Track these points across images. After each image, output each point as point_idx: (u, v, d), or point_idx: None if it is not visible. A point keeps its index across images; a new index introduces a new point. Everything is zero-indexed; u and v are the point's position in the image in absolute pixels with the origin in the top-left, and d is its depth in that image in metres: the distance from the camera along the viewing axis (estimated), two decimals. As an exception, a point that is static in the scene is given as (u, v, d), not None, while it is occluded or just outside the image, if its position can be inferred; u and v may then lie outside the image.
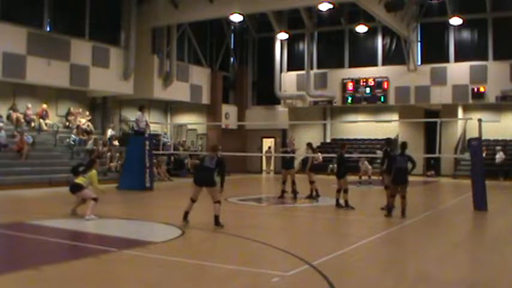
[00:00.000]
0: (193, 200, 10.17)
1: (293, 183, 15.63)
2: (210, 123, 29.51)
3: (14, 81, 20.81)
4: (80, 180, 11.33)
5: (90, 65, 22.77)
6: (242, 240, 8.92)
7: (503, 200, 16.84)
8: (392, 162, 12.08)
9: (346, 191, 12.97)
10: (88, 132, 23.14)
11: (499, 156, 25.93)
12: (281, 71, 31.52)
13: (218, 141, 29.25)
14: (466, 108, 28.86)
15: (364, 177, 21.19)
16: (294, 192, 15.67)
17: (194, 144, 29.80)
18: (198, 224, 10.13)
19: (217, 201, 10.02)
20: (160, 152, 21.63)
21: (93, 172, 11.44)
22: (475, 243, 9.66)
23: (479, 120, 13.91)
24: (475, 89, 27.03)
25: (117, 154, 22.44)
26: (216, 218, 9.97)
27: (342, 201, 12.98)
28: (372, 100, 29.67)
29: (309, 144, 16.25)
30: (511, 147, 27.84)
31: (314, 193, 15.40)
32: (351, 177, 14.82)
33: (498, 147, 26.45)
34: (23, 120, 21.50)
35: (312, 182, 15.41)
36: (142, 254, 7.66)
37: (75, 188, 11.29)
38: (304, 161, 18.61)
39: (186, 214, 10.15)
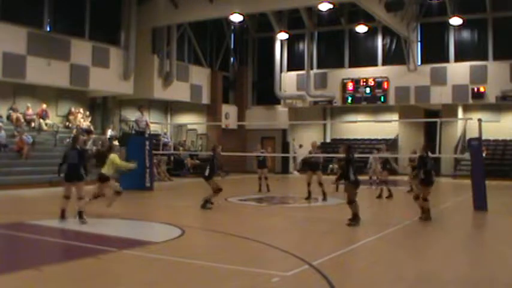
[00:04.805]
0: (67, 197, 10.48)
1: (265, 178, 18.27)
2: (210, 123, 29.53)
3: (14, 81, 20.81)
4: (104, 169, 11.52)
5: (90, 65, 22.77)
6: (242, 240, 8.92)
7: (503, 200, 16.82)
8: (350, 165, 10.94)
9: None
10: (88, 132, 23.13)
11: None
12: (281, 71, 31.51)
13: (218, 141, 29.31)
14: (466, 108, 28.86)
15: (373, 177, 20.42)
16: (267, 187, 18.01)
17: (194, 144, 29.80)
18: (198, 224, 10.13)
19: (81, 197, 10.40)
20: (160, 152, 21.63)
21: (112, 156, 11.65)
22: (475, 243, 9.66)
23: (479, 120, 13.91)
24: (475, 89, 27.03)
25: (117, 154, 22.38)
26: (80, 213, 10.28)
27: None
28: (372, 100, 29.66)
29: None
30: (511, 147, 27.86)
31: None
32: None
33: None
34: (23, 120, 21.49)
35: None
36: (142, 254, 7.66)
37: (103, 178, 11.48)
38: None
39: (63, 212, 10.33)
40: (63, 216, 10.41)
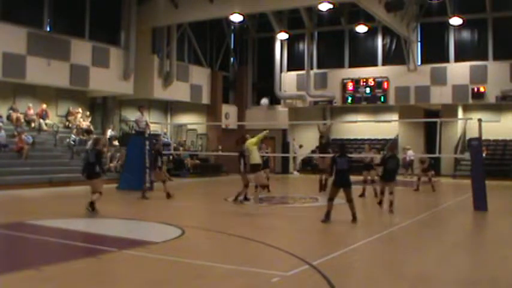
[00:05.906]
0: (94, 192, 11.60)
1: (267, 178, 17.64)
2: (210, 123, 29.52)
3: (14, 81, 20.80)
4: (252, 160, 12.18)
5: (90, 65, 22.77)
6: (242, 240, 8.92)
7: (503, 200, 16.83)
8: (332, 164, 11.07)
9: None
10: (88, 132, 23.13)
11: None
12: (281, 71, 31.51)
13: (217, 141, 29.36)
14: (466, 108, 28.87)
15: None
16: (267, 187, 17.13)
17: (194, 144, 29.80)
18: (198, 224, 10.13)
19: (99, 192, 11.53)
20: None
21: (248, 142, 12.41)
22: (475, 243, 9.66)
23: (479, 120, 13.92)
24: (475, 89, 27.02)
25: (118, 154, 22.44)
26: (91, 203, 11.45)
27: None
28: (372, 100, 29.66)
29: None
30: (511, 147, 27.86)
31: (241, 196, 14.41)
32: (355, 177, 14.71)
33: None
34: (23, 120, 21.49)
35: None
36: (142, 254, 7.66)
37: (255, 168, 12.27)
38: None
39: (92, 204, 11.44)
40: (93, 208, 11.48)
